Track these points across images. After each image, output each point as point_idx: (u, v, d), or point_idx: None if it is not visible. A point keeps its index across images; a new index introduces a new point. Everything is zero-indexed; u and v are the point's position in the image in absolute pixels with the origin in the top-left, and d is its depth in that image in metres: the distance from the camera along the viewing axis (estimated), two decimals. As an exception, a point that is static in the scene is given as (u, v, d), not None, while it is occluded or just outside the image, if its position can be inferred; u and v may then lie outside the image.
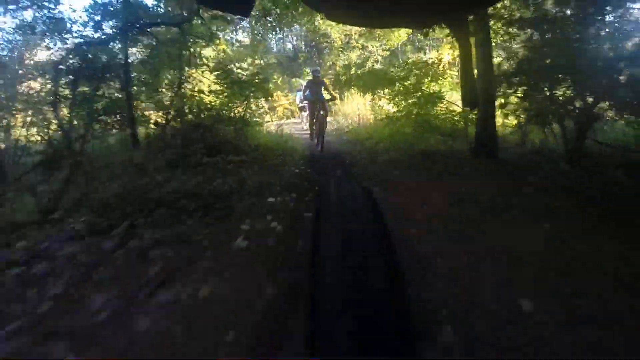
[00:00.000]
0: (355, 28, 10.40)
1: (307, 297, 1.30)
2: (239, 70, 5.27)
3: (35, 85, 5.91)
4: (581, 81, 2.89)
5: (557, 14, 3.36)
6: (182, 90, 4.81)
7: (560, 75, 3.00)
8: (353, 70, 11.01)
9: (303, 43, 16.06)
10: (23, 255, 1.76)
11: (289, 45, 16.75)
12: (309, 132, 5.79)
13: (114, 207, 2.34)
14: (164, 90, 4.84)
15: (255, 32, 8.90)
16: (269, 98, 6.33)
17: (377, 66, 10.91)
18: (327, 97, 5.28)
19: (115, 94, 4.67)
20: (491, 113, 3.35)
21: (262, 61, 11.77)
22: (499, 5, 3.56)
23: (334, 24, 7.75)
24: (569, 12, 3.46)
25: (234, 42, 10.68)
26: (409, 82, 4.51)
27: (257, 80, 4.72)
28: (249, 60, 9.99)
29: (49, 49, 6.27)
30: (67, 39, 5.56)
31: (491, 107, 3.34)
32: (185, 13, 4.85)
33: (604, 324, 1.09)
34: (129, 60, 4.40)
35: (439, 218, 2.00)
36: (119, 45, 5.02)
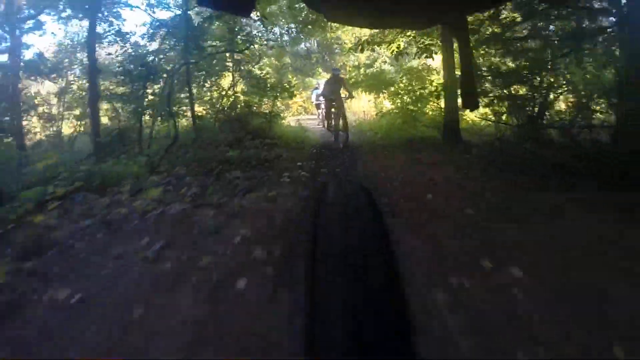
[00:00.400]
0: (365, 31, 11.45)
1: (320, 194, 2.63)
2: (265, 73, 6.63)
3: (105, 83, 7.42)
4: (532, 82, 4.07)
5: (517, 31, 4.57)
6: (229, 91, 6.21)
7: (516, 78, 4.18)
8: (362, 70, 12.27)
9: (316, 44, 17.35)
10: (162, 181, 3.14)
11: (302, 45, 18.08)
12: (323, 126, 7.09)
13: (198, 164, 3.71)
14: (213, 91, 6.23)
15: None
16: (292, 98, 7.63)
17: (385, 66, 12.11)
18: (344, 94, 5.60)
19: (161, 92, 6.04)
20: (454, 108, 4.61)
21: (278, 62, 13.07)
22: (470, 18, 4.71)
23: (347, 27, 8.00)
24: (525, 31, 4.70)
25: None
26: (403, 84, 5.78)
27: (285, 85, 6.09)
28: (265, 60, 11.28)
29: (109, 54, 7.82)
30: (126, 47, 7.08)
31: (454, 103, 4.60)
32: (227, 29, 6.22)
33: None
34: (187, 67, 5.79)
35: (398, 167, 3.30)
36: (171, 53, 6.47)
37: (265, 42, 7.18)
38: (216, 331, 1.20)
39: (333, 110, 5.58)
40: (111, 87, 6.91)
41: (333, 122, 5.63)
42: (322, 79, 9.05)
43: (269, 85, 6.04)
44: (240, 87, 6.80)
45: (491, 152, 3.86)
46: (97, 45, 7.53)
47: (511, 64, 4.53)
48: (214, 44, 5.84)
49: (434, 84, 5.67)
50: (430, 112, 5.67)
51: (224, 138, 4.84)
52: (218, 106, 5.69)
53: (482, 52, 4.71)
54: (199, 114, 6.21)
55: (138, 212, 2.39)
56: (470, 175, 3.04)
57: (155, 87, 5.66)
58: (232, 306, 1.34)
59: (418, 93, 5.49)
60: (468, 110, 4.67)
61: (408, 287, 1.38)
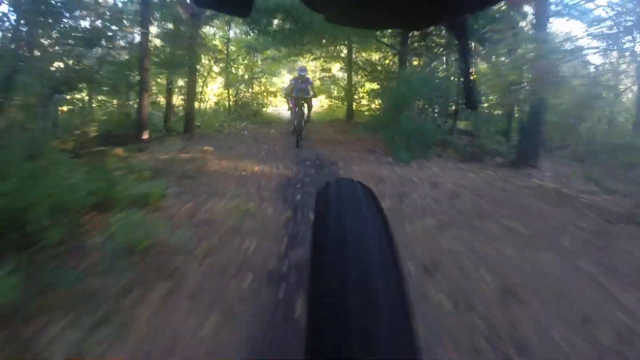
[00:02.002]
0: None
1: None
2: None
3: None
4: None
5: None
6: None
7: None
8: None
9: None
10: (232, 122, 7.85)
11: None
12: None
13: (239, 119, 8.40)
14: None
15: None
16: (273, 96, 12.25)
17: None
18: (310, 94, 6.17)
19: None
20: (351, 105, 9.68)
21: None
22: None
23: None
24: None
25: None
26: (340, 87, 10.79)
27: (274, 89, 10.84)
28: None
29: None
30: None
31: (351, 101, 9.65)
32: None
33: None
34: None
35: (322, 128, 8.25)
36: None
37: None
38: (270, 140, 6.01)
39: (297, 109, 6.08)
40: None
41: (296, 122, 6.08)
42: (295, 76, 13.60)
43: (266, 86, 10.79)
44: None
45: (369, 125, 8.94)
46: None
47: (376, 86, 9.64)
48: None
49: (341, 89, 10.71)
50: (342, 106, 10.71)
51: (241, 114, 9.54)
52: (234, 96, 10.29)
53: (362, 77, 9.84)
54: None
55: (239, 130, 7.10)
56: (351, 131, 8.01)
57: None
58: (273, 137, 6.14)
59: (337, 95, 10.53)
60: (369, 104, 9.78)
61: (323, 163, 6.27)
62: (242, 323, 1.31)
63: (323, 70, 11.26)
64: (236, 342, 1.22)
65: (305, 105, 6.20)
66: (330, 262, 0.53)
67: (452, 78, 6.45)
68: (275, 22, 7.02)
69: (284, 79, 16.51)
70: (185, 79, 6.73)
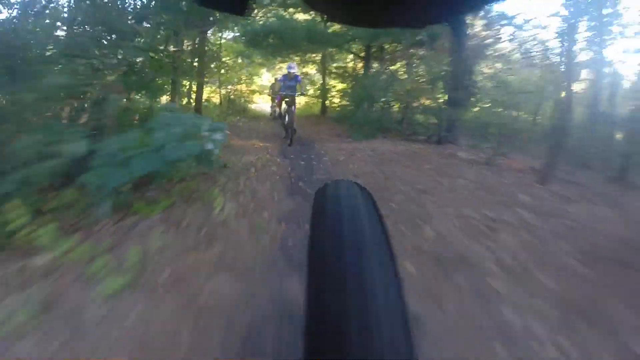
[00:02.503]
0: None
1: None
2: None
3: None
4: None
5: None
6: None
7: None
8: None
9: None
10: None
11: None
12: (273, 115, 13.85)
13: (230, 114, 10.33)
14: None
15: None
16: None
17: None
18: (298, 91, 6.09)
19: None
20: (324, 102, 11.84)
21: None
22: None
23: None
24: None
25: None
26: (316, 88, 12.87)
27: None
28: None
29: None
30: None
31: (324, 99, 11.81)
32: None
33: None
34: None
35: (302, 121, 10.36)
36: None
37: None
38: (263, 129, 8.02)
39: (285, 107, 6.12)
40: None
41: (287, 120, 6.08)
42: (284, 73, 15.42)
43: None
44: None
45: (338, 118, 11.11)
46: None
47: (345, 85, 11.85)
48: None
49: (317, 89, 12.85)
50: (317, 103, 12.85)
51: (231, 109, 11.40)
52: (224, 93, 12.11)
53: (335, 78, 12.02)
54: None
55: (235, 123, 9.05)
56: (324, 122, 10.13)
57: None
58: (264, 127, 8.16)
59: (313, 93, 12.65)
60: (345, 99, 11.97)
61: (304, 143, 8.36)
62: (280, 186, 3.43)
63: (301, 74, 13.34)
64: (280, 189, 3.33)
65: (293, 103, 6.04)
66: (328, 262, 0.53)
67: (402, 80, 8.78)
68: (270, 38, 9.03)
69: (263, 78, 18.24)
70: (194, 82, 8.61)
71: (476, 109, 8.49)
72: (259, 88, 16.03)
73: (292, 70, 6.11)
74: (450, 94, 7.32)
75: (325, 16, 0.44)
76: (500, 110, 8.55)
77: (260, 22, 8.11)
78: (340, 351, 0.41)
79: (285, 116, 6.17)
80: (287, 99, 6.06)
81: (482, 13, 6.99)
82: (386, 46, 9.80)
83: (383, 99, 8.53)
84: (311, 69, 13.25)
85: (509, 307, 1.61)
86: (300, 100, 14.50)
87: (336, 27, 9.48)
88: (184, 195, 2.71)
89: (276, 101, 6.49)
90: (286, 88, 6.07)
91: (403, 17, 0.39)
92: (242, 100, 12.87)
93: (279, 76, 6.70)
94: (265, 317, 1.44)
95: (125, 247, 1.86)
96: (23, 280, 1.55)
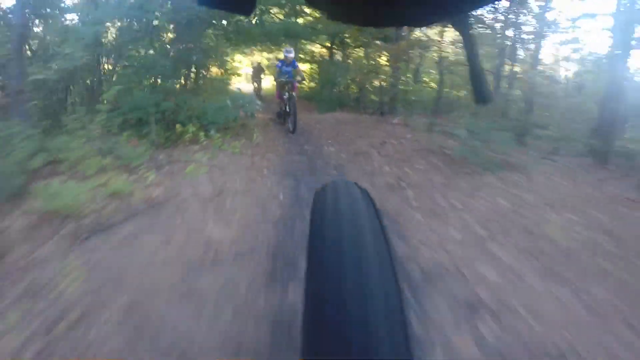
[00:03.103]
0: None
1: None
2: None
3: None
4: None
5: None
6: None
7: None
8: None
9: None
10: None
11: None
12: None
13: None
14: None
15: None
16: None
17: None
18: (297, 77, 6.03)
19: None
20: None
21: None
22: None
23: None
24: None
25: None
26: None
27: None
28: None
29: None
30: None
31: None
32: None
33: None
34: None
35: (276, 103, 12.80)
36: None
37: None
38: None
39: (286, 95, 5.90)
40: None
41: (289, 107, 5.91)
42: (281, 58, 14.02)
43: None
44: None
45: (307, 97, 13.57)
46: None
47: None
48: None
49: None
50: None
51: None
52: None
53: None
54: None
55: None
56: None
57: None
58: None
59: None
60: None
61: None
62: (281, 129, 6.03)
63: (276, 58, 15.50)
64: (282, 132, 5.94)
65: (294, 90, 5.87)
66: (327, 262, 0.53)
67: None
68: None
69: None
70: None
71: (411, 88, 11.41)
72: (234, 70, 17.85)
73: (289, 55, 5.99)
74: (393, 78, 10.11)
75: (327, 15, 0.44)
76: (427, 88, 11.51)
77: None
78: (339, 351, 0.41)
79: (286, 104, 6.08)
80: (287, 85, 5.93)
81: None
82: (347, 39, 12.31)
83: (342, 82, 11.18)
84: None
85: (377, 163, 4.40)
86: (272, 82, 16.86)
87: (307, 20, 11.77)
88: (238, 131, 5.28)
89: (277, 91, 6.44)
90: (283, 74, 5.97)
91: (404, 16, 0.40)
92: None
93: (278, 61, 6.49)
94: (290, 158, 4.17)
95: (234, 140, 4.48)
96: (191, 152, 4.10)
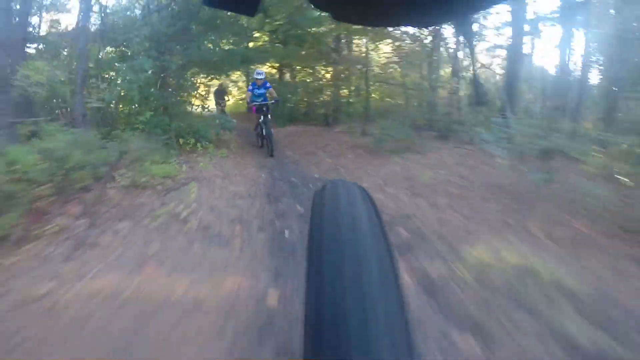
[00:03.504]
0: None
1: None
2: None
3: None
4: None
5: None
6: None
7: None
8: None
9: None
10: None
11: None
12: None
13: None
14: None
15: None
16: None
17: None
18: (271, 99, 6.17)
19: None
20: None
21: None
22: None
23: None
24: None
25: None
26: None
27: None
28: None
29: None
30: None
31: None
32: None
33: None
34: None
35: (249, 115, 14.70)
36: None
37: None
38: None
39: (261, 119, 6.04)
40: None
41: (264, 130, 6.05)
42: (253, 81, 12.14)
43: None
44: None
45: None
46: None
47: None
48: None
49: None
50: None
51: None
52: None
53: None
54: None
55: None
56: (251, 117, 14.57)
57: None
58: None
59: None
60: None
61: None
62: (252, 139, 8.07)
63: (230, 81, 17.41)
64: (252, 141, 7.99)
65: (269, 112, 5.94)
66: (327, 263, 0.53)
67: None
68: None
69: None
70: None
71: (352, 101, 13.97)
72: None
73: (259, 77, 6.13)
74: (334, 95, 12.60)
75: (331, 15, 0.43)
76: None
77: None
78: (340, 351, 0.41)
79: (262, 127, 6.20)
80: (263, 107, 6.02)
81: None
82: (293, 63, 14.68)
83: (293, 99, 13.49)
84: (238, 77, 17.38)
85: (321, 158, 6.65)
86: (229, 101, 18.70)
87: (258, 45, 13.93)
88: (219, 143, 7.18)
89: (254, 113, 6.45)
90: (257, 97, 6.09)
91: (409, 16, 0.39)
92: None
93: (250, 84, 6.58)
94: (263, 159, 6.26)
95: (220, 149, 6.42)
96: (195, 156, 5.99)
